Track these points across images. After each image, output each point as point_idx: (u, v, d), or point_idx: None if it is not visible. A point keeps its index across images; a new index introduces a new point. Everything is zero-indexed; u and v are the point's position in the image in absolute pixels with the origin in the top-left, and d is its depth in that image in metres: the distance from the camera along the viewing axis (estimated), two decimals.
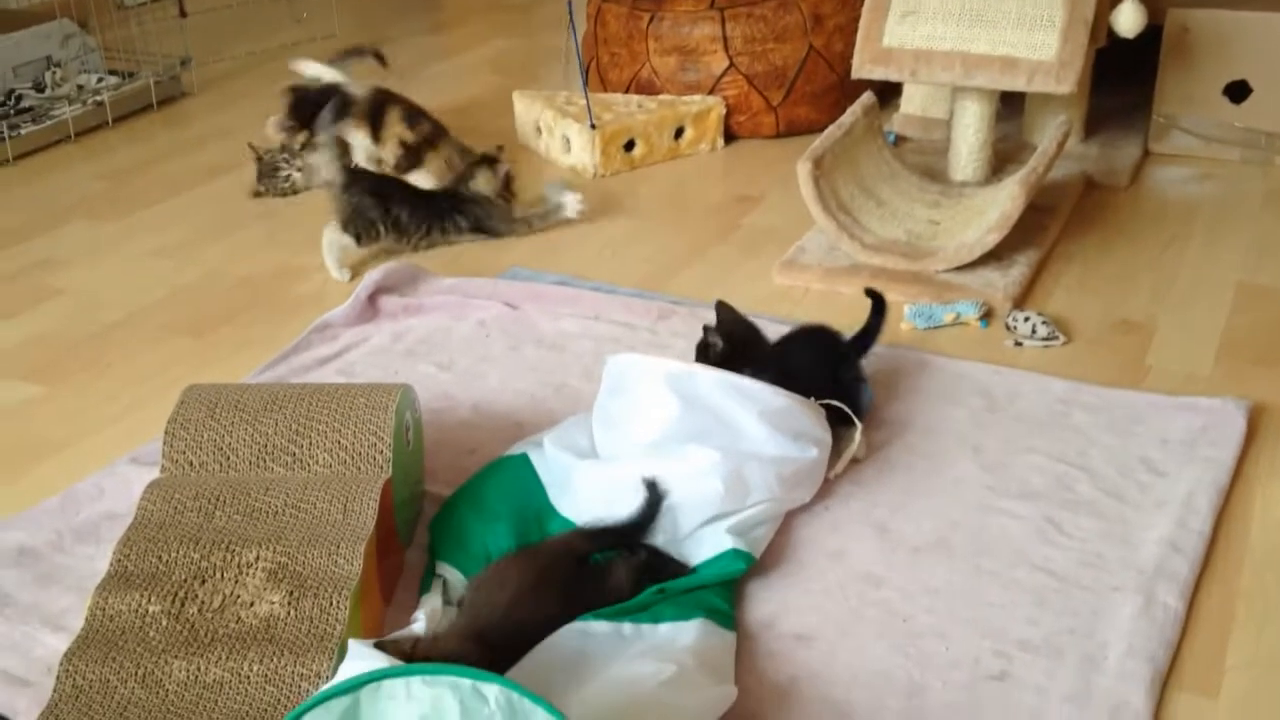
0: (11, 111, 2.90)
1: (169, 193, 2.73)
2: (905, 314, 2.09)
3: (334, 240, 2.33)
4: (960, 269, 2.17)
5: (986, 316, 2.09)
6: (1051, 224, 2.36)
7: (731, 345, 1.78)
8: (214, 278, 2.36)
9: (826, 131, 2.32)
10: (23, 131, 2.85)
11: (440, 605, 1.46)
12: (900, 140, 2.78)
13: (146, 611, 1.32)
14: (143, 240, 2.54)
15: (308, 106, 2.55)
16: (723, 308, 1.83)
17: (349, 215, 2.33)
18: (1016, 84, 2.30)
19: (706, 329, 1.80)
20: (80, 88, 3.06)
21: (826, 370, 1.77)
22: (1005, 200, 2.15)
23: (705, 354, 1.78)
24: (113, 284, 2.36)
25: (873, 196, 2.35)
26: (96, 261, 2.45)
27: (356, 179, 2.38)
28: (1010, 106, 2.62)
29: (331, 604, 1.33)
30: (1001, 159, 2.54)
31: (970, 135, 2.47)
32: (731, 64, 2.88)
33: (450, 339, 2.10)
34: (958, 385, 1.91)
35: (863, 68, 2.39)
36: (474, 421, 1.87)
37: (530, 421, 1.85)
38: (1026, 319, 2.04)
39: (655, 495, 1.52)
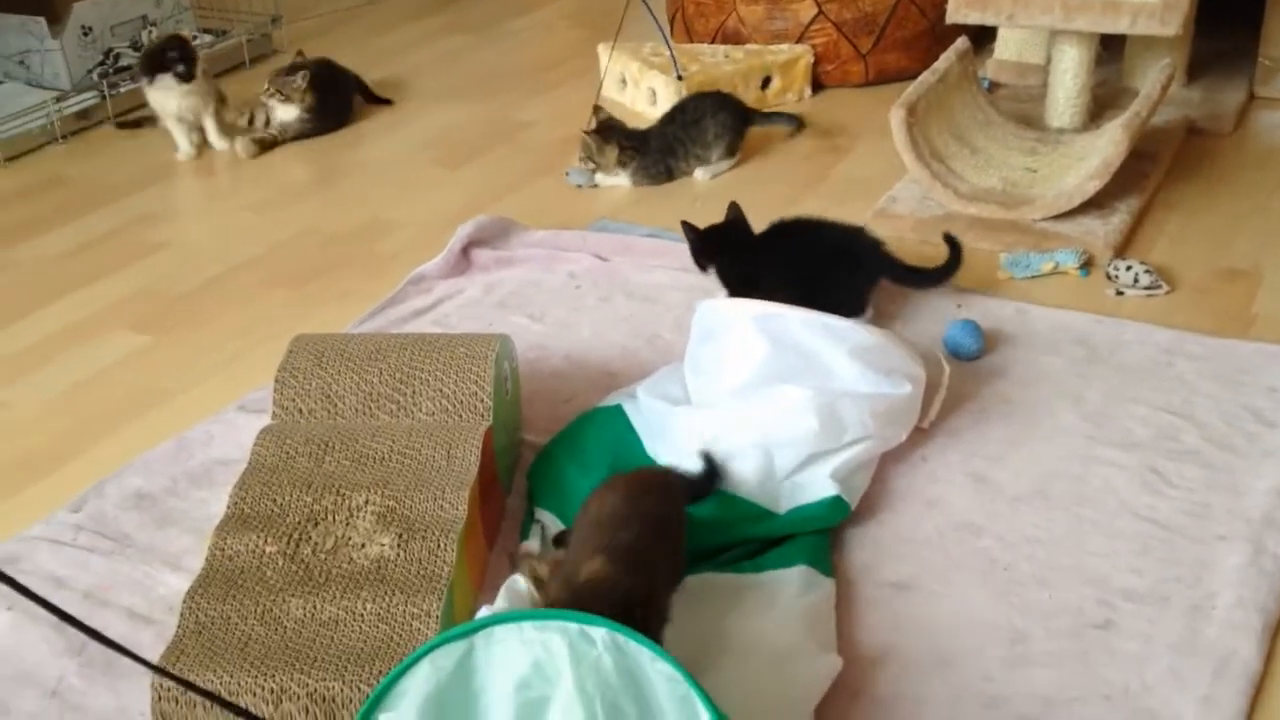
0: (110, 70, 2.96)
1: (261, 150, 2.78)
2: (1001, 263, 2.06)
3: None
4: (1059, 217, 2.13)
5: (1087, 265, 2.05)
6: (1153, 171, 2.30)
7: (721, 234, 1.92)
8: (308, 233, 2.41)
9: (920, 78, 2.28)
10: (121, 90, 2.92)
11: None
12: (994, 87, 2.72)
13: (264, 552, 1.37)
14: (238, 196, 2.60)
15: None
16: (733, 207, 1.94)
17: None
18: (1119, 26, 2.24)
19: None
20: None
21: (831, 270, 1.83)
22: (1107, 146, 2.10)
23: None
24: (212, 238, 2.42)
25: (967, 144, 2.31)
26: (195, 217, 2.51)
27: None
28: (1109, 49, 2.55)
29: (439, 546, 1.37)
30: (1100, 105, 2.48)
31: (1068, 80, 2.41)
32: (820, 11, 2.83)
33: (541, 291, 2.12)
34: (1057, 335, 1.88)
35: (958, 12, 2.34)
36: (567, 372, 1.89)
37: (623, 372, 1.87)
38: (1128, 268, 2.00)
39: (712, 467, 1.52)
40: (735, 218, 1.94)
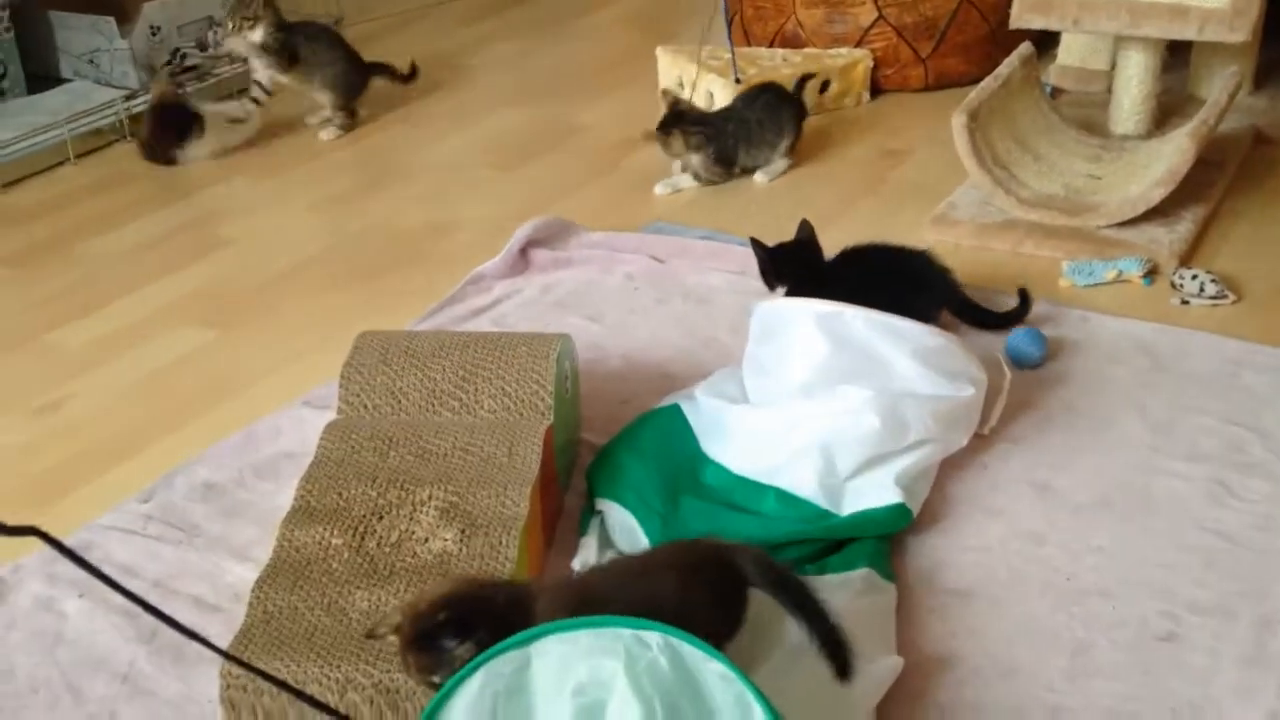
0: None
1: (323, 150, 2.82)
2: (1064, 271, 2.05)
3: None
4: (1123, 225, 2.11)
5: (1151, 274, 2.03)
6: (1218, 179, 2.27)
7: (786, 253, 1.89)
8: (370, 231, 2.44)
9: (983, 83, 2.26)
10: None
11: (596, 548, 1.50)
12: (1057, 92, 2.69)
13: (330, 544, 1.39)
14: (301, 194, 2.63)
15: None
16: (805, 226, 1.91)
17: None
18: (1186, 33, 2.21)
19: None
20: None
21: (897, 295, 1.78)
22: (1173, 154, 2.08)
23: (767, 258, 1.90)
24: (277, 235, 2.45)
25: (1029, 150, 2.29)
26: (261, 213, 2.55)
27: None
28: (1174, 55, 2.51)
29: (501, 543, 1.38)
30: (1165, 111, 2.45)
31: (1133, 87, 2.39)
32: (880, 15, 2.83)
33: (599, 292, 2.13)
34: (1120, 343, 1.87)
35: (1022, 17, 2.33)
36: (625, 373, 1.90)
37: (680, 374, 1.87)
38: (1194, 277, 1.98)
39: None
40: (806, 237, 1.91)
